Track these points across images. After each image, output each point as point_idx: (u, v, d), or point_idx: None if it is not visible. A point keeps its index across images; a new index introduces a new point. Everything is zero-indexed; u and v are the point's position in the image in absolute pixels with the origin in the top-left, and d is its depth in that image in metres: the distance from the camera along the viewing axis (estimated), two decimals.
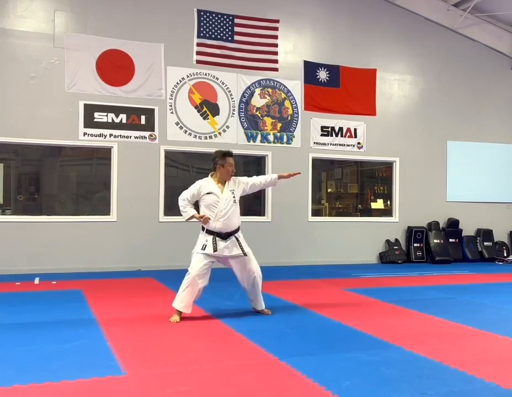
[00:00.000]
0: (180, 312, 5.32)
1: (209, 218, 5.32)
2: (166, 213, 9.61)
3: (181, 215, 5.49)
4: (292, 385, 3.47)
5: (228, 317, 5.42)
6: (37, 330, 4.87)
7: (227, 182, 5.51)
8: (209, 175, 5.57)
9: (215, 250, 5.30)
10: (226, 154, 5.52)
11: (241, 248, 5.40)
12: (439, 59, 11.67)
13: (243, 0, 10.29)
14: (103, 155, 9.42)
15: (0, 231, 8.63)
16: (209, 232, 5.37)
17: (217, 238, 5.34)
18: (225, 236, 5.36)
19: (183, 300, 5.29)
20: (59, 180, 9.89)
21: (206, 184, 5.47)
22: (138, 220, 9.36)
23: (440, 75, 11.69)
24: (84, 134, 9.09)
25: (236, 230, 5.47)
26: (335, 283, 8.03)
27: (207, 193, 5.40)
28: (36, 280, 7.75)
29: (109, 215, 9.30)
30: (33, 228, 8.82)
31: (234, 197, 5.46)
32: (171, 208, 9.96)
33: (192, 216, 5.40)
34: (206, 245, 5.33)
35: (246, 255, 5.42)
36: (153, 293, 7.02)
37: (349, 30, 10.99)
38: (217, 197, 5.39)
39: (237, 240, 5.42)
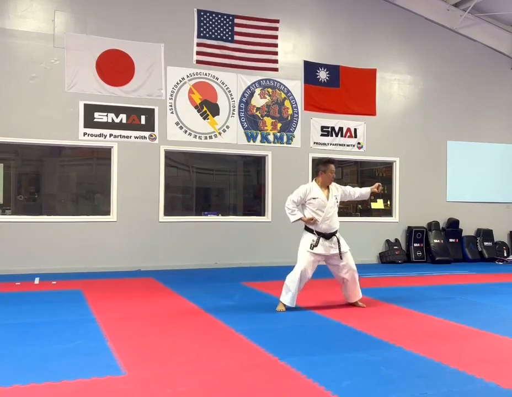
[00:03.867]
0: (285, 305, 5.78)
1: (317, 220, 5.77)
2: (166, 213, 9.61)
3: (289, 216, 5.88)
4: (292, 385, 3.46)
5: (228, 317, 5.42)
6: (37, 330, 4.87)
7: (329, 187, 5.98)
8: (314, 180, 6.07)
9: (323, 249, 5.78)
10: (329, 161, 5.98)
11: (340, 247, 5.86)
12: (439, 59, 11.67)
13: (243, 0, 10.28)
14: (103, 155, 9.41)
15: (0, 231, 8.64)
16: (315, 233, 5.83)
17: (321, 238, 5.79)
18: (329, 236, 5.86)
19: (291, 294, 5.74)
20: (59, 180, 9.88)
21: (312, 189, 5.93)
22: (138, 220, 9.35)
23: (439, 75, 11.68)
24: (84, 134, 9.09)
25: (337, 231, 5.96)
26: (335, 283, 7.99)
27: (314, 198, 5.87)
28: (36, 280, 7.75)
29: (109, 215, 9.30)
30: (33, 228, 8.81)
31: (337, 202, 5.99)
32: (171, 208, 9.98)
33: (300, 219, 5.85)
34: (314, 245, 5.77)
35: (345, 253, 5.90)
36: (153, 293, 7.01)
37: (349, 30, 10.99)
38: (324, 202, 5.86)
39: (338, 239, 5.89)
